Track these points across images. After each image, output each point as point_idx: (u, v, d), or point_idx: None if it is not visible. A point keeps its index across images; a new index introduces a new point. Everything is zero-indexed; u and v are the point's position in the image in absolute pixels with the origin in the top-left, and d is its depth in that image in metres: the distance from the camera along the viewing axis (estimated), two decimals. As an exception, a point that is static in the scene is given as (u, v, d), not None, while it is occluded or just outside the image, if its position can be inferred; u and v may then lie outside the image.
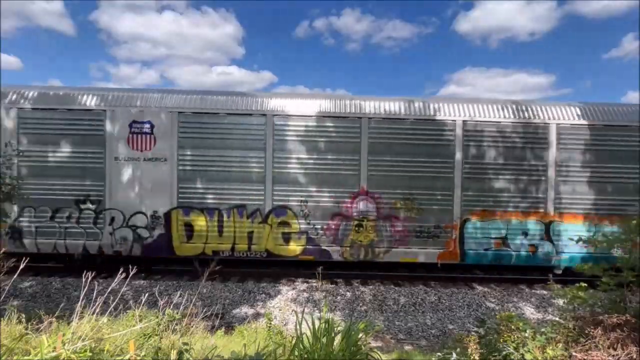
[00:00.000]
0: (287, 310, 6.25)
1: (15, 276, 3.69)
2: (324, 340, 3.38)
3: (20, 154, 7.32)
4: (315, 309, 6.29)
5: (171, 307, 3.78)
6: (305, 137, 7.52)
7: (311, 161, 7.51)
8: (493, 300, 6.93)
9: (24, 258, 3.73)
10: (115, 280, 3.59)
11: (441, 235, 7.55)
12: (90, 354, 2.61)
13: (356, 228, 7.50)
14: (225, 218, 7.47)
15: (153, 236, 7.46)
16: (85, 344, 2.65)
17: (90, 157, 7.41)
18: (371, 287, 7.35)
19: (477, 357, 3.21)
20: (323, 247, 7.53)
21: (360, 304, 6.65)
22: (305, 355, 3.26)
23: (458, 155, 7.48)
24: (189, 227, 7.49)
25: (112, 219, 7.42)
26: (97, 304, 3.25)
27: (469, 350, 3.28)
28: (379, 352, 3.72)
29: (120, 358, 2.75)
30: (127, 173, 7.37)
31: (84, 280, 3.32)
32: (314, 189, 7.49)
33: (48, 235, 7.41)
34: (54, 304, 5.87)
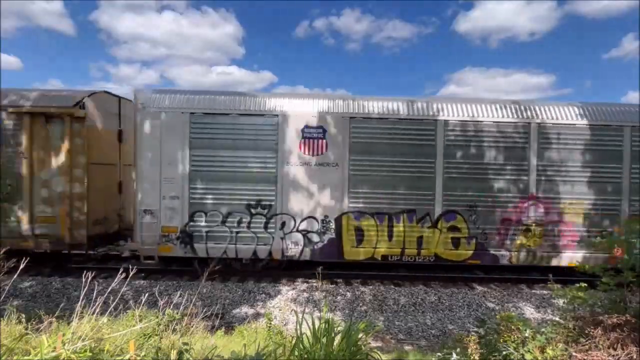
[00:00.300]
0: (287, 310, 6.25)
1: (15, 276, 3.70)
2: (324, 340, 3.38)
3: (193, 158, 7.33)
4: (315, 309, 6.29)
5: (171, 307, 3.78)
6: (473, 143, 7.49)
7: (481, 166, 7.50)
8: (493, 300, 6.93)
9: (24, 258, 3.73)
10: (115, 280, 3.60)
11: None
12: (90, 354, 2.61)
13: (525, 233, 7.50)
14: (395, 223, 7.48)
15: (323, 241, 7.47)
16: (85, 344, 2.65)
17: (262, 161, 7.40)
18: (371, 287, 7.35)
19: (477, 357, 3.21)
20: (491, 252, 7.53)
21: (361, 304, 6.65)
22: (305, 356, 3.26)
23: (627, 161, 7.47)
24: (359, 232, 7.48)
25: (283, 224, 7.44)
26: (97, 304, 3.26)
27: (469, 350, 3.28)
28: (379, 352, 3.72)
29: (120, 358, 2.75)
30: (298, 178, 7.39)
31: (84, 280, 3.32)
32: (483, 194, 7.50)
33: (219, 239, 7.41)
34: (54, 304, 5.87)
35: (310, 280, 7.55)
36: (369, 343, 3.88)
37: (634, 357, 2.91)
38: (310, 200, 7.42)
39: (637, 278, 3.49)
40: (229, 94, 7.68)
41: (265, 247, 7.44)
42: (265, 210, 7.42)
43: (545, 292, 7.25)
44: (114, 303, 3.39)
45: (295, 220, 7.44)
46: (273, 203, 7.40)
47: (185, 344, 3.13)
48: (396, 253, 7.52)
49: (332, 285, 7.36)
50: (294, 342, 3.43)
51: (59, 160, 7.47)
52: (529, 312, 6.55)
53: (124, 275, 3.71)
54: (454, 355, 3.33)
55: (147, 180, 7.32)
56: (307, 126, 7.40)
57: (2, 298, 4.17)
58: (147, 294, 4.54)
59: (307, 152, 7.40)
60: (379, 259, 7.49)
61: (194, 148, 7.35)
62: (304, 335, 3.43)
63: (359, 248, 7.50)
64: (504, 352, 3.18)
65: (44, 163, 7.47)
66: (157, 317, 3.71)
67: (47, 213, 7.47)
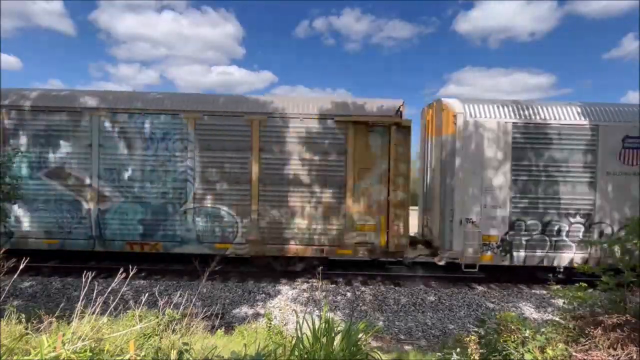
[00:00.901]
0: (287, 310, 6.25)
1: (15, 276, 3.69)
2: (324, 340, 3.38)
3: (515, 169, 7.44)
4: (316, 308, 6.28)
5: (171, 307, 3.78)
6: None
7: None
8: (493, 300, 6.93)
9: (24, 258, 3.73)
10: (115, 280, 3.59)
11: None
12: (90, 354, 2.61)
13: None
14: None
15: None
16: (85, 344, 2.65)
17: (579, 170, 7.50)
18: (371, 287, 7.35)
19: (477, 357, 3.21)
20: None
21: (361, 304, 6.65)
22: (305, 355, 3.26)
23: None
24: None
25: (602, 232, 7.52)
26: (97, 304, 3.25)
27: (469, 350, 3.27)
28: (379, 352, 3.71)
29: (120, 358, 2.75)
30: (617, 187, 7.50)
31: (84, 280, 3.32)
32: None
33: (537, 248, 7.51)
34: (54, 304, 5.87)
35: (310, 280, 7.54)
36: (369, 343, 3.89)
37: (634, 357, 2.91)
38: (628, 209, 7.47)
39: (637, 278, 3.49)
40: (549, 104, 7.71)
41: (583, 255, 7.51)
42: (584, 219, 7.50)
43: (545, 292, 7.25)
44: (114, 303, 3.39)
45: (613, 229, 7.50)
46: (592, 212, 7.49)
47: (185, 344, 3.13)
48: None
49: (333, 285, 7.36)
50: (294, 342, 3.43)
51: (381, 168, 7.39)
52: (529, 312, 6.55)
53: (123, 275, 3.71)
54: (454, 355, 3.33)
55: (468, 189, 7.44)
56: (627, 136, 7.47)
57: (2, 298, 4.17)
58: (147, 294, 4.54)
59: (627, 162, 7.48)
60: None
61: (516, 158, 7.44)
62: (304, 335, 3.43)
63: None
64: (504, 352, 3.18)
65: (365, 171, 7.41)
66: (157, 317, 3.71)
67: (367, 221, 7.44)
